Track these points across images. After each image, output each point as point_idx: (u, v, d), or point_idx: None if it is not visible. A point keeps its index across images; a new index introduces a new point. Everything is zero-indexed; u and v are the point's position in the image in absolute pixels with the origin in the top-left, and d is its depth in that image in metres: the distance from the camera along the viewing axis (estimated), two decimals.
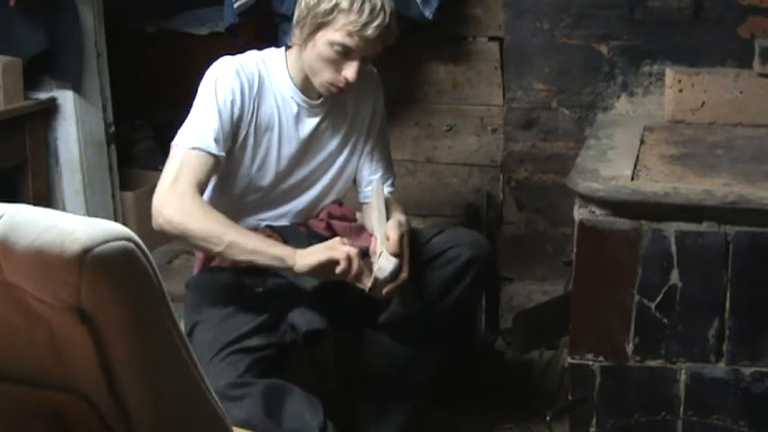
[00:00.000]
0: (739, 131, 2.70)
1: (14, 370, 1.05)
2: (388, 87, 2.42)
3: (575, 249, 2.28)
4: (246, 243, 2.01)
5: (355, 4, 2.05)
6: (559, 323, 2.53)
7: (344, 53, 2.09)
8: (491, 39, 3.08)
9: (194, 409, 1.06)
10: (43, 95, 3.12)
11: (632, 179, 2.24)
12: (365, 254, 2.14)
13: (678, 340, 2.23)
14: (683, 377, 2.25)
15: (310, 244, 2.22)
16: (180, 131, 2.11)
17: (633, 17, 2.90)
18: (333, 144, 2.29)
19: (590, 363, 2.28)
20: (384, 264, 2.05)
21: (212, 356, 1.99)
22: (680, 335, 2.23)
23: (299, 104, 2.22)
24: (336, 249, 2.01)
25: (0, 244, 0.95)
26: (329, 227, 2.31)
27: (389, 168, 2.42)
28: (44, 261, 0.93)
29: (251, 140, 2.18)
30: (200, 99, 2.13)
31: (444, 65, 3.14)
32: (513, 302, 3.14)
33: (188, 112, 2.14)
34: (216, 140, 2.08)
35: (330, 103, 2.26)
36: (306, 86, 2.21)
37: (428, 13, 2.88)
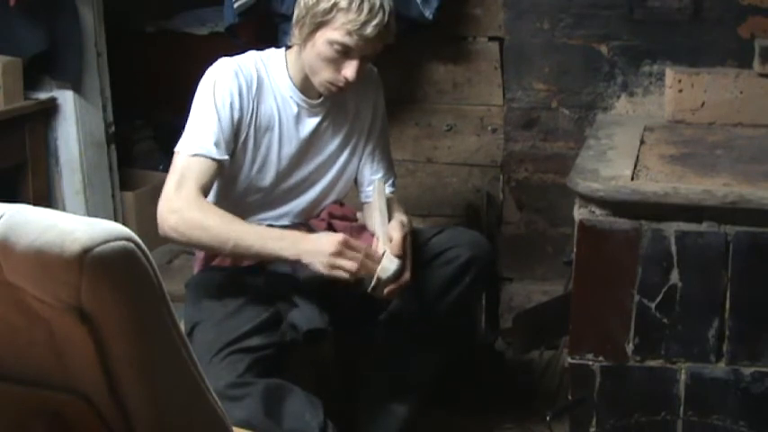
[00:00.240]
0: (739, 131, 2.71)
1: (14, 370, 1.05)
2: (388, 87, 2.42)
3: (575, 249, 2.28)
4: (251, 246, 2.02)
5: (354, 3, 2.05)
6: (559, 323, 2.53)
7: (344, 52, 2.09)
8: (491, 39, 3.08)
9: (194, 408, 1.06)
10: (43, 95, 3.12)
11: (632, 179, 2.24)
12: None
13: (678, 340, 2.23)
14: (683, 377, 2.25)
15: None
16: (181, 138, 2.11)
17: (633, 17, 2.90)
18: (333, 144, 2.29)
19: (590, 363, 2.28)
20: (387, 264, 2.05)
21: (212, 356, 1.99)
22: (680, 335, 2.23)
23: (299, 104, 2.22)
24: (340, 269, 1.99)
25: (0, 244, 0.95)
26: (330, 227, 2.31)
27: (390, 168, 2.42)
28: (44, 261, 0.93)
29: (251, 141, 2.18)
30: (198, 103, 2.13)
31: (444, 65, 3.14)
32: (513, 302, 3.14)
33: (188, 112, 2.13)
34: (216, 144, 2.08)
35: (330, 103, 2.26)
36: (306, 86, 2.21)
37: (428, 13, 2.88)
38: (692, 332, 2.23)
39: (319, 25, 2.09)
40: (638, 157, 2.43)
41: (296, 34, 2.15)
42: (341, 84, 2.14)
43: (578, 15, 2.94)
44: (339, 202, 2.39)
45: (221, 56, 2.19)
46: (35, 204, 1.18)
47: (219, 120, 2.10)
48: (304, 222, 2.31)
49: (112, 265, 0.93)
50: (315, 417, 2.00)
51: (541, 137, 3.06)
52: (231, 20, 2.90)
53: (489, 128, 3.15)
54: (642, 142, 2.58)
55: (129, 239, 0.95)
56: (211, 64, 2.17)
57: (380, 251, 2.08)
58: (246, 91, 2.15)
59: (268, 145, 2.21)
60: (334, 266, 1.99)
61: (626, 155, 2.44)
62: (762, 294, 2.19)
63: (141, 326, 0.97)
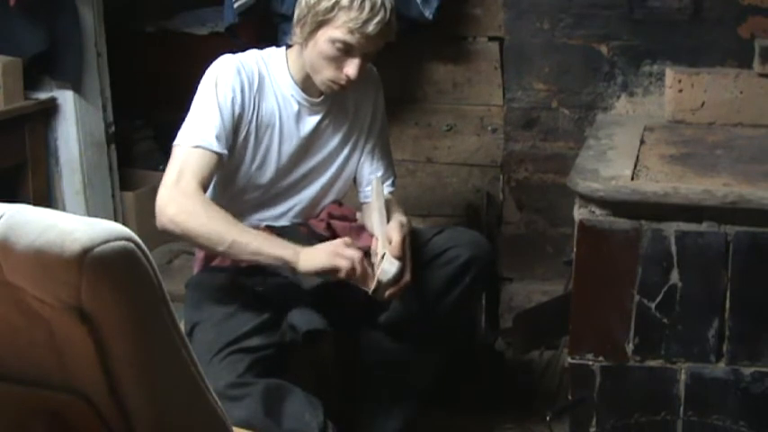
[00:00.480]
0: (739, 131, 2.71)
1: (14, 370, 1.05)
2: (388, 87, 2.42)
3: (575, 249, 2.28)
4: (249, 243, 2.01)
5: (356, 2, 2.05)
6: (559, 323, 2.53)
7: (346, 50, 2.09)
8: (491, 39, 3.08)
9: (194, 408, 1.06)
10: (43, 95, 3.12)
11: (632, 179, 2.24)
12: (366, 253, 2.14)
13: (678, 340, 2.23)
14: (683, 377, 2.25)
15: (311, 244, 2.22)
16: (181, 130, 2.11)
17: (633, 17, 2.90)
18: (333, 142, 2.29)
19: (590, 363, 2.28)
20: (387, 267, 2.05)
21: (212, 356, 1.99)
22: (680, 335, 2.23)
23: (299, 103, 2.23)
24: (340, 256, 2.00)
25: (0, 244, 0.95)
26: (329, 227, 2.31)
27: (390, 167, 2.42)
28: (44, 261, 0.93)
29: (252, 138, 2.19)
30: (200, 97, 2.13)
31: (444, 65, 3.14)
32: (513, 302, 3.14)
33: (188, 111, 2.14)
34: (217, 138, 2.09)
35: (331, 102, 2.26)
36: (306, 85, 2.21)
37: (428, 13, 2.88)
38: (692, 332, 2.23)
39: (321, 24, 2.09)
40: (638, 157, 2.43)
41: (297, 33, 2.15)
42: (343, 82, 2.14)
43: (578, 15, 2.94)
44: (338, 202, 2.39)
45: (221, 56, 2.19)
46: (35, 204, 1.19)
47: (221, 114, 2.10)
48: (303, 222, 2.31)
49: (112, 265, 0.93)
50: (315, 417, 2.00)
51: (541, 137, 3.06)
52: (231, 20, 2.90)
53: (489, 128, 3.15)
54: (642, 142, 2.58)
55: (129, 239, 0.95)
56: (211, 64, 2.17)
57: (380, 253, 2.08)
58: (248, 88, 2.15)
59: (268, 142, 2.21)
60: (336, 254, 1.99)
61: (626, 155, 2.44)
62: (762, 294, 2.19)
63: (141, 326, 0.97)
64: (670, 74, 2.79)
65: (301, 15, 2.13)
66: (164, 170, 2.09)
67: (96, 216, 1.20)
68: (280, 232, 2.23)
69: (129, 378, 0.98)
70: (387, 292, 2.07)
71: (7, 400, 1.06)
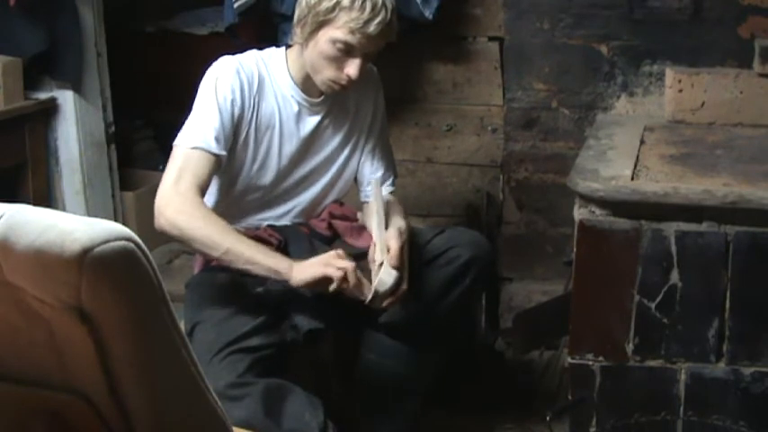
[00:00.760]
0: (739, 131, 2.71)
1: (14, 370, 1.05)
2: (388, 87, 2.42)
3: (575, 249, 2.28)
4: (244, 251, 2.01)
5: (357, 2, 2.05)
6: (559, 323, 2.53)
7: (347, 50, 2.09)
8: (491, 39, 3.08)
9: (194, 409, 1.06)
10: (43, 95, 3.12)
11: (632, 179, 2.24)
12: (364, 255, 2.14)
13: (678, 340, 2.24)
14: (683, 377, 2.25)
15: (312, 244, 2.22)
16: (181, 131, 2.11)
17: (633, 17, 2.90)
18: (334, 142, 2.29)
19: (590, 363, 2.28)
20: (385, 278, 2.04)
21: (212, 356, 1.99)
22: (680, 335, 2.23)
23: (299, 103, 2.23)
24: (332, 266, 2.00)
25: (0, 244, 0.95)
26: (330, 227, 2.31)
27: (390, 167, 2.42)
28: (44, 261, 0.93)
29: (252, 139, 2.19)
30: (200, 98, 2.13)
31: (444, 65, 3.14)
32: (513, 302, 3.14)
33: (188, 111, 2.14)
34: (216, 139, 2.09)
35: (331, 102, 2.26)
36: (306, 85, 2.21)
37: (428, 13, 2.88)
38: (692, 332, 2.23)
39: (322, 24, 2.09)
40: (638, 157, 2.43)
41: (298, 33, 2.15)
42: (343, 82, 2.14)
43: (578, 15, 2.94)
44: (339, 202, 2.39)
45: (221, 56, 2.19)
46: (35, 204, 1.19)
47: (221, 115, 2.10)
48: (304, 222, 2.31)
49: (112, 265, 0.93)
50: (315, 417, 1.99)
51: (541, 137, 3.06)
52: (231, 20, 2.90)
53: (489, 128, 3.15)
54: (642, 142, 2.58)
55: (129, 239, 0.95)
56: (211, 64, 2.17)
57: (378, 261, 2.07)
58: (248, 89, 2.15)
59: (268, 143, 2.21)
60: (327, 264, 1.99)
61: (626, 155, 2.44)
62: (762, 294, 2.19)
63: (141, 326, 0.97)
64: (670, 74, 2.79)
65: (302, 16, 2.13)
66: (164, 170, 2.09)
67: (96, 216, 1.20)
68: (281, 232, 2.24)
69: (129, 378, 0.98)
70: (384, 303, 2.07)
71: (7, 400, 1.06)
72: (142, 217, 3.25)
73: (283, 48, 2.27)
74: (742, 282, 2.19)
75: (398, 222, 2.22)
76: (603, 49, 2.95)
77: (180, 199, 2.01)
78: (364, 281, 2.04)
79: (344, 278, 1.99)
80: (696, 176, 2.28)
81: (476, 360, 2.89)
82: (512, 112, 3.07)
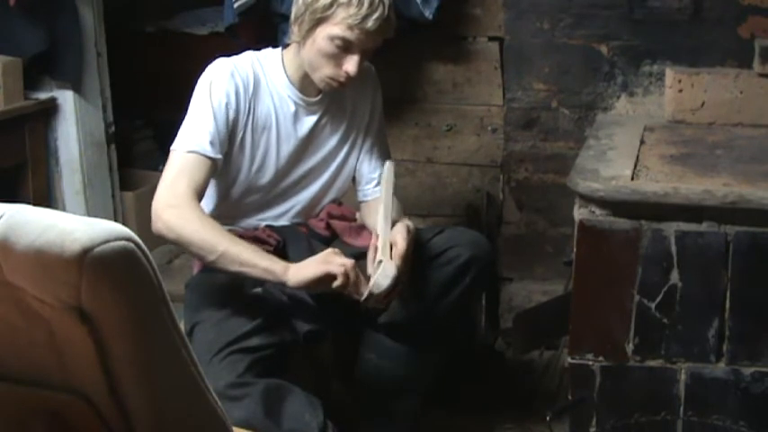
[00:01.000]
0: (739, 131, 2.71)
1: (14, 370, 1.05)
2: (387, 87, 2.42)
3: (575, 249, 2.28)
4: (240, 253, 2.00)
5: None
6: (559, 323, 2.53)
7: (345, 47, 2.09)
8: (491, 39, 3.08)
9: (194, 409, 1.06)
10: (43, 95, 3.12)
11: (632, 179, 2.24)
12: (363, 254, 2.13)
13: (678, 340, 2.23)
14: (683, 377, 2.25)
15: (310, 244, 2.22)
16: (177, 135, 2.11)
17: (633, 17, 2.90)
18: (332, 141, 2.29)
19: (590, 363, 2.28)
20: (381, 281, 2.02)
21: (212, 356, 1.99)
22: (680, 335, 2.23)
23: (296, 103, 2.23)
24: (332, 263, 2.00)
25: (0, 244, 0.95)
26: (329, 227, 2.31)
27: None
28: (44, 261, 0.93)
29: (248, 141, 2.19)
30: (195, 102, 2.14)
31: (444, 65, 3.14)
32: (513, 302, 3.14)
33: (187, 112, 2.14)
34: (212, 143, 2.09)
35: (329, 101, 2.26)
36: (303, 84, 2.21)
37: (428, 13, 2.88)
38: (692, 332, 2.23)
39: (319, 21, 2.09)
40: (638, 157, 2.43)
41: (295, 31, 2.15)
42: (342, 79, 2.14)
43: (578, 15, 2.94)
44: (338, 202, 2.39)
45: (221, 56, 2.19)
46: (35, 204, 1.19)
47: (215, 119, 2.10)
48: (303, 222, 2.31)
49: (112, 266, 0.93)
50: (315, 417, 1.99)
51: (541, 137, 3.06)
52: (231, 20, 2.90)
53: (489, 128, 3.15)
54: (642, 142, 2.58)
55: (129, 239, 0.95)
56: (211, 64, 2.17)
57: (378, 259, 2.06)
58: (243, 91, 2.15)
59: (266, 144, 2.21)
60: (327, 262, 1.99)
61: (626, 155, 2.44)
62: (762, 294, 2.19)
63: (141, 326, 0.97)
64: (670, 74, 2.79)
65: (299, 13, 2.13)
66: (163, 170, 2.10)
67: (96, 216, 1.20)
68: (280, 232, 2.24)
69: (129, 378, 0.98)
70: (376, 304, 2.07)
71: (7, 400, 1.06)
72: (142, 217, 3.24)
73: (279, 48, 2.27)
74: (742, 282, 2.19)
75: (406, 221, 2.21)
76: (603, 49, 2.95)
77: (176, 203, 2.02)
78: (362, 279, 2.04)
79: (346, 276, 1.99)
80: (696, 176, 2.28)
81: (476, 360, 2.89)
82: (512, 112, 3.07)
